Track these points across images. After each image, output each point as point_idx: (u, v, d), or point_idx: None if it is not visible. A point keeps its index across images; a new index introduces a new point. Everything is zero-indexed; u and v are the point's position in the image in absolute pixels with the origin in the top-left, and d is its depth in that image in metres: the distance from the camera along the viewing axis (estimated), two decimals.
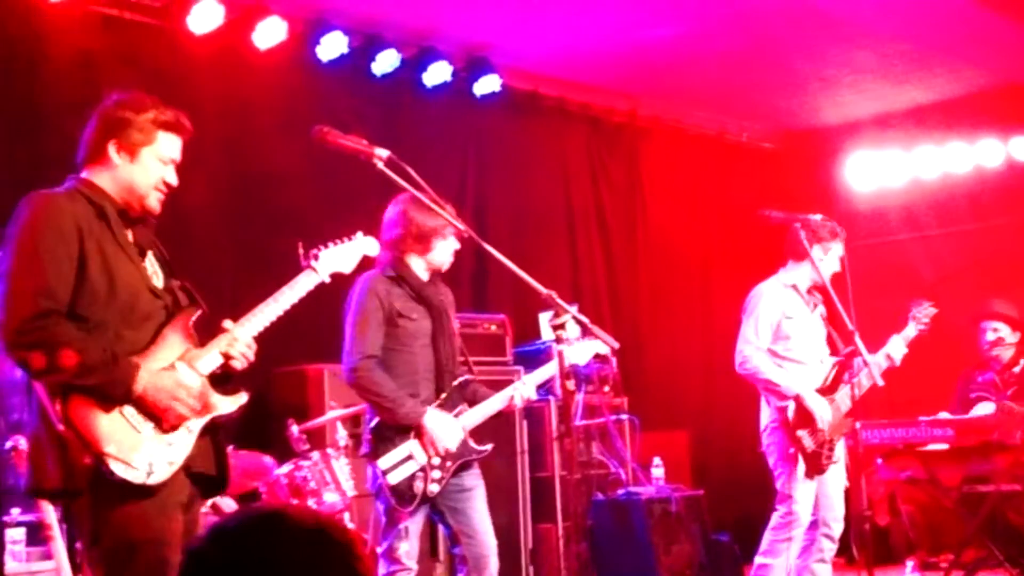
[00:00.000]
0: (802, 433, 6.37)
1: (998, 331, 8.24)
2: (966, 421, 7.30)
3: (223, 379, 3.97)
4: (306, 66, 8.29)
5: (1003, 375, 8.13)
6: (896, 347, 6.66)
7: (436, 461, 5.34)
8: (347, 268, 4.57)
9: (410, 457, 5.31)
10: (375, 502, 5.48)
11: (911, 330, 6.72)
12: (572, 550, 7.94)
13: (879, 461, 7.67)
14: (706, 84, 10.17)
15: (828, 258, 6.55)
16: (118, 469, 3.60)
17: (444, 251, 5.53)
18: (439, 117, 9.14)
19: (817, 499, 6.50)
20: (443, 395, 5.46)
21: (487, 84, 9.18)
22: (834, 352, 6.62)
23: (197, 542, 1.99)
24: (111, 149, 3.92)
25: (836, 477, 6.53)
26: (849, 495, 6.71)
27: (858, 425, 6.46)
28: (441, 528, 5.59)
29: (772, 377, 6.46)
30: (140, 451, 3.66)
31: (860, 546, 7.35)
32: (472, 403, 5.56)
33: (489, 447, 5.55)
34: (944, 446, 7.29)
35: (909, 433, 7.34)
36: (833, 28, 9.01)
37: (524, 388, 5.60)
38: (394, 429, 5.33)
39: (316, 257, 4.39)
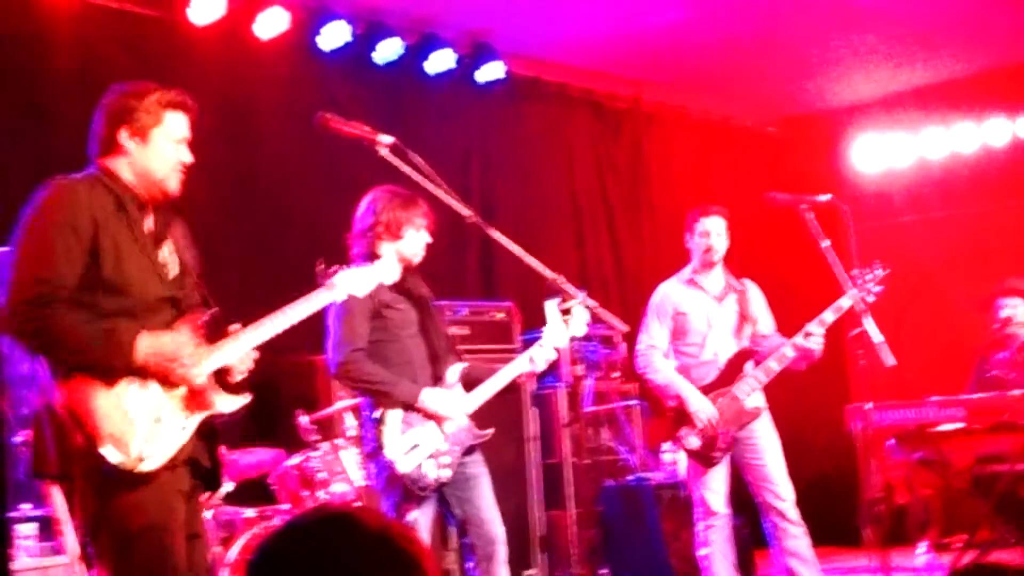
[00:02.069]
0: (685, 432, 6.48)
1: (1014, 308, 8.22)
2: (978, 401, 7.26)
3: (227, 379, 3.99)
4: (308, 55, 8.27)
5: (1022, 355, 8.11)
6: (814, 334, 6.44)
7: (444, 447, 5.32)
8: (362, 292, 4.60)
9: (417, 445, 5.29)
10: (382, 498, 5.46)
11: (846, 301, 6.47)
12: (583, 536, 7.94)
13: (891, 443, 7.64)
14: (710, 68, 10.14)
15: (697, 241, 6.72)
16: (108, 452, 3.62)
17: (416, 242, 5.50)
18: (442, 104, 9.11)
19: (753, 484, 6.56)
20: (439, 384, 5.45)
21: (490, 71, 9.14)
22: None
23: (271, 534, 2.03)
24: (122, 137, 3.96)
25: (769, 457, 6.54)
26: (859, 479, 6.71)
27: (869, 406, 6.45)
28: (451, 520, 5.57)
29: (653, 377, 6.68)
30: (133, 438, 3.67)
31: (873, 528, 7.32)
32: (472, 386, 5.53)
33: (491, 431, 5.53)
34: (956, 426, 7.26)
35: (920, 414, 7.30)
36: (837, 10, 8.98)
37: (541, 351, 5.54)
38: (399, 418, 5.29)
39: (334, 275, 4.43)
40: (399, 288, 5.45)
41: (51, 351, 3.66)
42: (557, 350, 5.65)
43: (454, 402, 5.40)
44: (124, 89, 4.05)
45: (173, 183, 4.02)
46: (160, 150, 3.98)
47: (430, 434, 5.33)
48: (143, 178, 3.97)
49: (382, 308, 5.38)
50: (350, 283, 4.47)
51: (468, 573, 5.52)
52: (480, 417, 5.54)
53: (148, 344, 3.74)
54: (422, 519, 5.30)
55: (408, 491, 5.23)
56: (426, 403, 5.31)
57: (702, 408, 6.44)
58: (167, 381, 3.77)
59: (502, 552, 5.45)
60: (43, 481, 3.84)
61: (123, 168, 3.95)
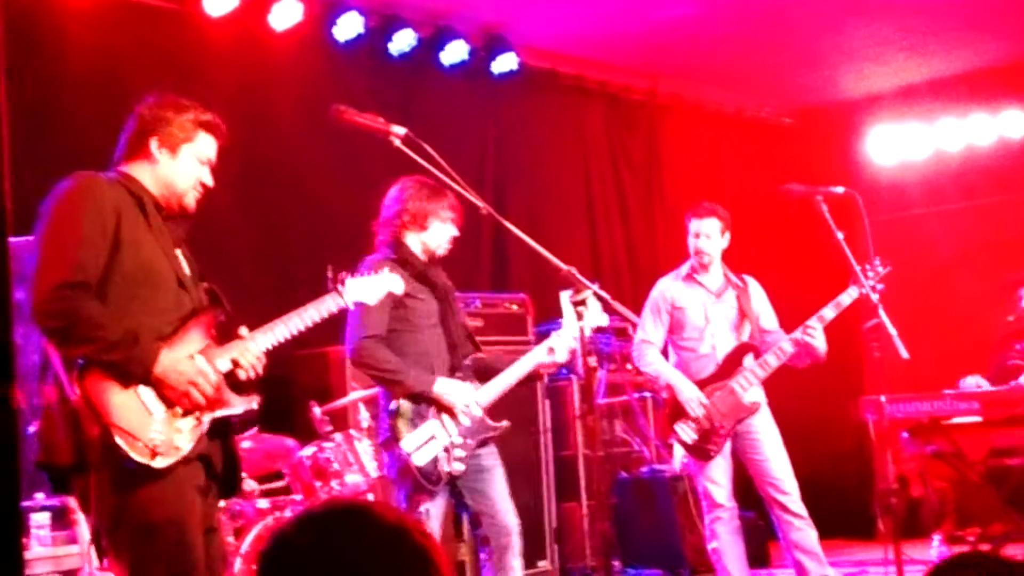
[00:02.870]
0: (680, 426, 6.46)
1: None
2: (992, 394, 7.25)
3: (238, 381, 4.03)
4: (323, 47, 8.27)
5: None
6: (812, 329, 6.41)
7: (459, 440, 5.32)
8: (372, 300, 4.69)
9: (432, 438, 5.30)
10: (394, 488, 5.47)
11: (846, 298, 6.45)
12: (596, 528, 7.93)
13: (904, 435, 7.63)
14: (725, 60, 10.11)
15: (690, 241, 6.72)
16: (124, 444, 3.63)
17: (441, 234, 5.51)
18: (457, 96, 9.11)
19: (756, 479, 6.55)
20: (457, 375, 5.45)
21: (504, 63, 9.14)
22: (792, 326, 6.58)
23: (284, 525, 2.05)
24: (152, 145, 4.02)
25: (770, 451, 6.51)
26: (874, 471, 6.69)
27: (883, 398, 6.43)
28: (464, 512, 5.56)
29: (646, 370, 6.72)
30: (148, 432, 3.69)
31: (887, 521, 7.31)
32: (490, 377, 5.53)
33: (505, 423, 5.52)
34: (970, 419, 7.25)
35: (934, 407, 7.29)
36: (853, 0, 8.94)
37: (561, 341, 5.53)
38: (414, 411, 5.30)
39: (343, 282, 4.49)
40: (421, 278, 5.46)
41: (73, 334, 3.67)
42: (577, 340, 5.65)
43: (468, 393, 5.40)
44: (162, 99, 4.11)
45: (190, 199, 4.09)
46: (186, 166, 4.05)
47: (444, 427, 5.33)
48: (163, 188, 4.03)
49: (404, 298, 5.38)
50: (359, 291, 4.55)
51: (482, 564, 5.52)
52: (493, 409, 5.54)
53: (169, 361, 3.77)
54: (434, 510, 5.31)
55: (420, 482, 5.24)
56: (440, 393, 5.31)
57: (692, 397, 6.44)
58: (178, 399, 3.78)
59: (516, 543, 5.45)
60: (49, 472, 3.84)
61: (145, 175, 4.02)
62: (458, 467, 5.31)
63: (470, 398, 5.39)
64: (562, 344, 5.54)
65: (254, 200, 7.82)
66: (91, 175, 3.91)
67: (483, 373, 5.56)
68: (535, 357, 5.57)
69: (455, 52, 8.86)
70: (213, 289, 4.12)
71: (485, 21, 8.98)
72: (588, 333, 5.63)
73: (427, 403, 5.33)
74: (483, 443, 5.46)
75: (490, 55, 9.10)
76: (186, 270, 4.03)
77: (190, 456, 3.79)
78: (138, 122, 4.06)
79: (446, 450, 5.30)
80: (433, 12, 8.71)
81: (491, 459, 5.51)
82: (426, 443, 5.28)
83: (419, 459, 5.24)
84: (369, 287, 4.61)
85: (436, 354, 5.46)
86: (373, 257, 5.49)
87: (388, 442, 5.33)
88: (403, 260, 5.45)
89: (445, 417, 5.35)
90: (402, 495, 5.36)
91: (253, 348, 4.03)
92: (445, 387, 5.34)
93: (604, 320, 5.52)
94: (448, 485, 5.37)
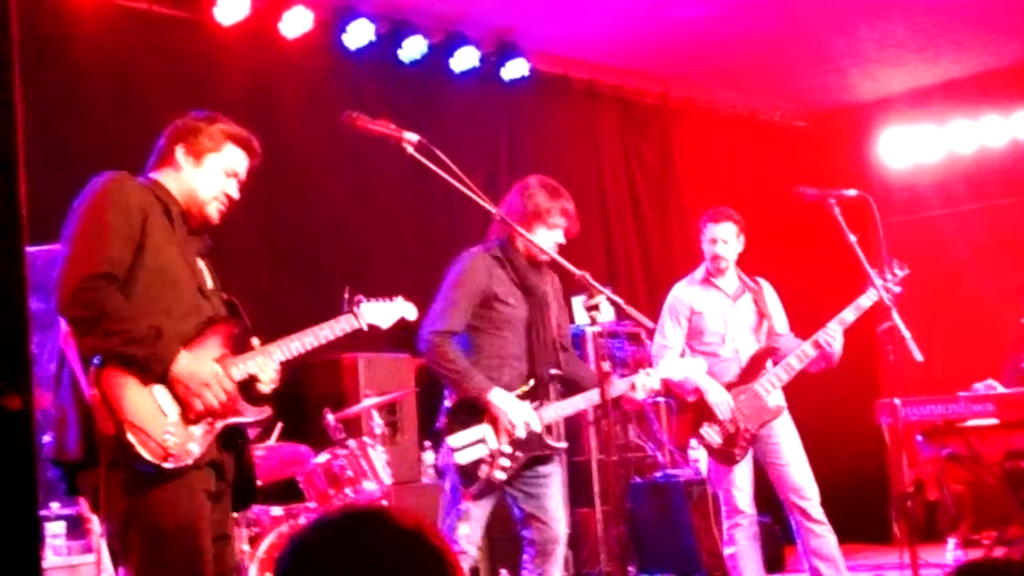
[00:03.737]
0: (706, 430, 6.42)
1: None
2: (1007, 396, 7.21)
3: (251, 391, 4.04)
4: (334, 54, 8.29)
5: None
6: (833, 332, 6.39)
7: (507, 449, 5.28)
8: (384, 325, 4.69)
9: (481, 440, 5.28)
10: (443, 479, 5.49)
11: (866, 300, 6.42)
12: (611, 533, 7.93)
13: (920, 438, 7.60)
14: (738, 63, 10.11)
15: (706, 247, 6.68)
16: (136, 442, 3.63)
17: (544, 240, 5.39)
18: (468, 103, 9.12)
19: (776, 484, 6.52)
20: (526, 386, 5.40)
21: (515, 68, 9.13)
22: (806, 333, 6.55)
23: (301, 530, 2.06)
24: (179, 152, 4.07)
25: (791, 456, 6.48)
26: (889, 474, 6.66)
27: (898, 402, 6.41)
28: (515, 511, 5.53)
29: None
30: (161, 432, 3.69)
31: (904, 524, 7.29)
32: (568, 394, 5.49)
33: (563, 444, 5.49)
34: (985, 421, 7.21)
35: (949, 410, 7.26)
36: (865, 2, 8.93)
37: (648, 379, 5.54)
38: (471, 411, 5.29)
39: (359, 304, 4.52)
40: (519, 283, 5.43)
41: (98, 325, 3.67)
42: (664, 382, 5.67)
43: (522, 410, 5.33)
44: (196, 113, 4.17)
45: (213, 211, 4.11)
46: (210, 175, 4.08)
47: (496, 432, 5.30)
48: (188, 196, 4.07)
49: (492, 300, 5.36)
50: (374, 316, 4.58)
51: (522, 564, 5.51)
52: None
53: (187, 361, 3.78)
54: (476, 511, 5.28)
55: (462, 480, 5.26)
56: (494, 402, 5.27)
57: (723, 399, 6.40)
58: (192, 401, 3.79)
59: (560, 553, 5.44)
60: (60, 468, 3.85)
61: (170, 182, 4.06)
62: (499, 475, 5.27)
63: (522, 417, 5.32)
64: (647, 383, 5.52)
65: (265, 206, 7.83)
66: (122, 174, 3.95)
67: (564, 388, 5.53)
68: (616, 388, 5.48)
69: (466, 58, 8.86)
70: (233, 301, 4.14)
71: (496, 27, 8.98)
72: (678, 377, 5.72)
73: (482, 407, 5.31)
74: (540, 460, 5.41)
75: (501, 61, 9.10)
76: (208, 281, 4.06)
77: (201, 461, 3.79)
78: (169, 133, 4.12)
79: (491, 455, 5.27)
80: (443, 18, 8.71)
81: (551, 466, 5.48)
82: (473, 444, 5.26)
83: (462, 458, 5.24)
84: (384, 312, 4.64)
85: (512, 359, 5.41)
86: (476, 250, 5.50)
87: (440, 433, 5.35)
88: (504, 259, 5.44)
89: (499, 423, 5.33)
90: (448, 487, 5.38)
91: (272, 364, 4.06)
92: (499, 399, 5.28)
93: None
94: (495, 490, 5.33)
